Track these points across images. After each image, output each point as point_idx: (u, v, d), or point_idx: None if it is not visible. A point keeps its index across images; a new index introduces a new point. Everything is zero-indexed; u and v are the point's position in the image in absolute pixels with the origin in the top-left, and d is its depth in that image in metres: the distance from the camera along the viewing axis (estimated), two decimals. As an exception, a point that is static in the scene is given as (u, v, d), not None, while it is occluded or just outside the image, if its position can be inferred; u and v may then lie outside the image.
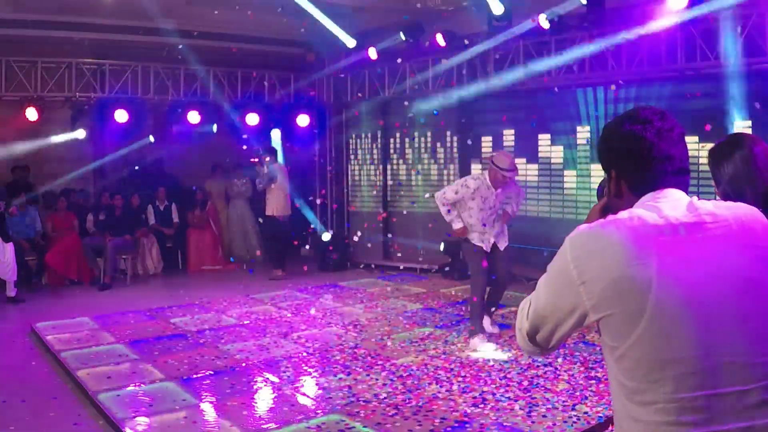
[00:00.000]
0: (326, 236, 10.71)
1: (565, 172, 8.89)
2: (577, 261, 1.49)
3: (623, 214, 1.51)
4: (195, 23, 9.36)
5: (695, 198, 1.56)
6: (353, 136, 11.50)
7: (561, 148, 8.91)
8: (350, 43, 9.83)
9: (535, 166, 9.20)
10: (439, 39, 8.97)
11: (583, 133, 8.68)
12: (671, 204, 1.52)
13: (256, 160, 10.01)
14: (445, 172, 10.27)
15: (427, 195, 9.77)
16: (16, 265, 8.34)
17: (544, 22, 7.74)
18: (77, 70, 9.56)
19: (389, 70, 10.11)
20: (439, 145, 10.37)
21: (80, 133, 10.05)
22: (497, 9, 7.90)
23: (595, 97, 8.53)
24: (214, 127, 10.62)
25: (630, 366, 1.44)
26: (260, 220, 10.39)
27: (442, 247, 9.51)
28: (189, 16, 9.21)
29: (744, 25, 6.54)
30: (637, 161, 1.58)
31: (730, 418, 1.39)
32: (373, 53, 9.78)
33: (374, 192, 11.12)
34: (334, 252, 10.55)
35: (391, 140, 10.89)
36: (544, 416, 4.39)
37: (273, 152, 10.18)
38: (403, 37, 9.24)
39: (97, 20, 9.12)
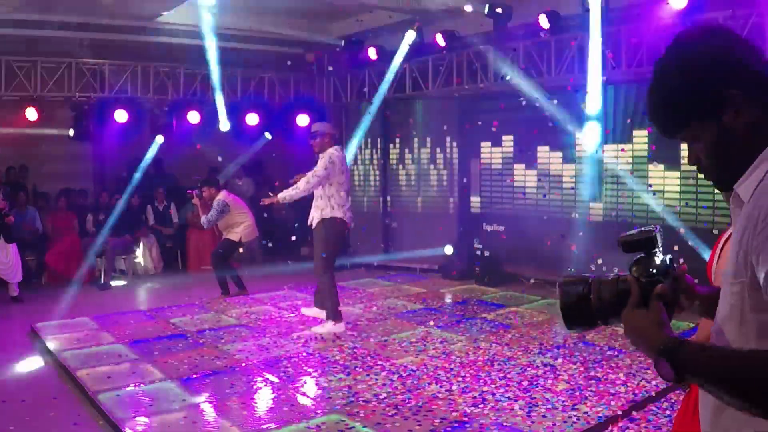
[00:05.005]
0: None
1: (564, 167, 8.80)
2: None
3: None
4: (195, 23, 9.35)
5: None
6: (353, 136, 11.48)
7: (560, 147, 8.88)
8: (342, 42, 9.83)
9: (534, 168, 9.16)
10: (439, 39, 8.97)
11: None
12: None
13: (193, 193, 8.49)
14: (445, 172, 10.24)
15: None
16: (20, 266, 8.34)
17: (544, 22, 7.74)
18: (77, 70, 9.54)
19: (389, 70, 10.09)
20: (438, 150, 10.33)
21: (70, 131, 9.91)
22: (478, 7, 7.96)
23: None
24: (225, 125, 10.44)
25: None
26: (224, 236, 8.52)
27: (450, 250, 9.46)
28: (188, 15, 9.20)
29: (744, 25, 6.54)
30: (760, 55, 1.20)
31: None
32: (372, 53, 9.78)
33: (373, 192, 11.10)
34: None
35: (391, 143, 10.87)
36: (544, 416, 4.39)
37: (213, 183, 8.60)
38: (404, 37, 9.24)
39: (97, 20, 9.10)
